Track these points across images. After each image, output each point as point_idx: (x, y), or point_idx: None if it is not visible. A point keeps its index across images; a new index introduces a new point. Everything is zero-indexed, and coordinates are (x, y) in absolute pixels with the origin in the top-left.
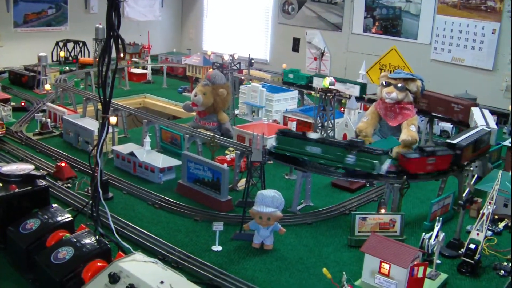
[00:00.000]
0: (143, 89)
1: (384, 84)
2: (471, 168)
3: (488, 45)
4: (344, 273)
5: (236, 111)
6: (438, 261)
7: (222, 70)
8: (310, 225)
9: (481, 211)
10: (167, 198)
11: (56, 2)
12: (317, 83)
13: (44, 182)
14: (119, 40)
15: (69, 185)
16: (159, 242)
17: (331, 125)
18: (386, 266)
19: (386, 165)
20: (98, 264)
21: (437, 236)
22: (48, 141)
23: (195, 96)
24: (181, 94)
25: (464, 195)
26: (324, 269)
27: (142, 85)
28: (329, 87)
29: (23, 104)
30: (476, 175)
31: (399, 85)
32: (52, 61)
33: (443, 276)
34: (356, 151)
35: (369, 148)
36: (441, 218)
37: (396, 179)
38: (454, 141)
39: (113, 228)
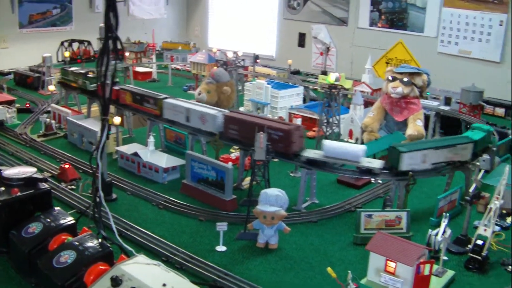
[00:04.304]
0: (148, 88)
1: (390, 78)
2: (478, 163)
3: (496, 37)
4: (349, 271)
5: (241, 109)
6: (445, 258)
7: (226, 67)
8: (315, 223)
9: (488, 206)
10: (171, 198)
11: (61, 2)
12: None
13: (46, 185)
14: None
15: (73, 186)
16: (163, 243)
17: (336, 121)
18: (392, 264)
19: (95, 85)
20: (100, 267)
21: (444, 232)
22: (52, 142)
23: (199, 94)
24: (186, 92)
25: (471, 190)
26: (329, 269)
27: (147, 83)
28: (334, 82)
29: (27, 105)
30: (483, 170)
31: (405, 79)
32: (58, 61)
33: (450, 273)
34: (83, 76)
35: (87, 75)
36: (448, 214)
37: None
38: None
39: (115, 230)
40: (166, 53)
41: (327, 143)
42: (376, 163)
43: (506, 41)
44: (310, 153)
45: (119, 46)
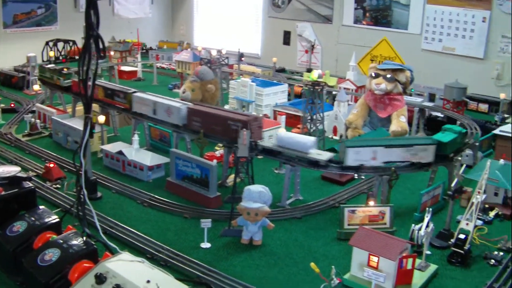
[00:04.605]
0: (134, 87)
1: (373, 75)
2: (460, 158)
3: (479, 33)
4: (333, 266)
5: (226, 106)
6: (428, 252)
7: (210, 65)
8: (299, 219)
9: (470, 201)
10: (156, 196)
11: (46, 1)
12: None
13: (30, 184)
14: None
15: (58, 185)
16: (148, 241)
17: (320, 118)
18: (374, 259)
19: (68, 81)
20: (85, 265)
21: (426, 227)
22: (37, 142)
23: (184, 92)
24: (171, 90)
25: (453, 185)
26: (312, 264)
27: (133, 82)
28: (317, 79)
29: (12, 105)
30: (465, 165)
31: (388, 76)
32: (43, 61)
33: (433, 267)
34: (58, 72)
35: (62, 71)
36: (431, 209)
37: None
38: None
39: (99, 228)
40: (151, 52)
41: (281, 133)
42: (324, 156)
43: (489, 37)
44: (266, 143)
45: (101, 45)
